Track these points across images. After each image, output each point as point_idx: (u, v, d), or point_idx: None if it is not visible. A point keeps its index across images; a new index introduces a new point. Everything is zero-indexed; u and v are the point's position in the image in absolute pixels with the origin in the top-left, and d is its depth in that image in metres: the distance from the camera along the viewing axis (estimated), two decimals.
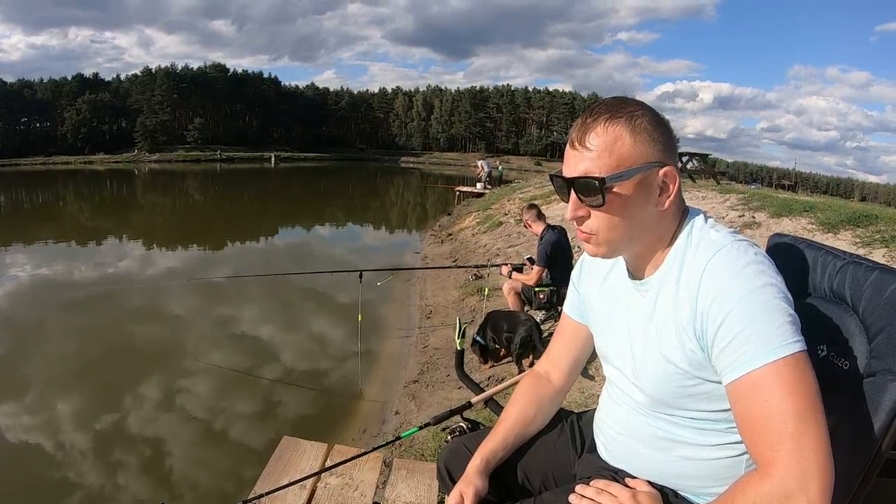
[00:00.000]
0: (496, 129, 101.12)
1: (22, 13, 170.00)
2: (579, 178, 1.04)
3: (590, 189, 1.03)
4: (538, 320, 5.21)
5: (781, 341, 0.91)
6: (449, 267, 9.56)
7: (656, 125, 1.04)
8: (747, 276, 0.96)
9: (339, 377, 6.20)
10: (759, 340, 0.92)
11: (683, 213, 1.11)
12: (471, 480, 1.27)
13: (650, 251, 1.11)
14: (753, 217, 7.60)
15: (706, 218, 1.11)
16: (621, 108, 1.04)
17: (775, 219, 7.25)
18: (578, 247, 6.89)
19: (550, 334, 5.47)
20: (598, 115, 1.04)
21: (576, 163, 1.05)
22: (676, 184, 1.06)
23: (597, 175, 1.02)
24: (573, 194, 1.06)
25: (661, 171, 1.04)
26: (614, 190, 1.02)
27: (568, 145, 1.08)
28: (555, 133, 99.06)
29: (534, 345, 4.78)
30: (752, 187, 17.50)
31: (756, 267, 0.97)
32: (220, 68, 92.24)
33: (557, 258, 5.39)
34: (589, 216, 1.07)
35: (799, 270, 1.23)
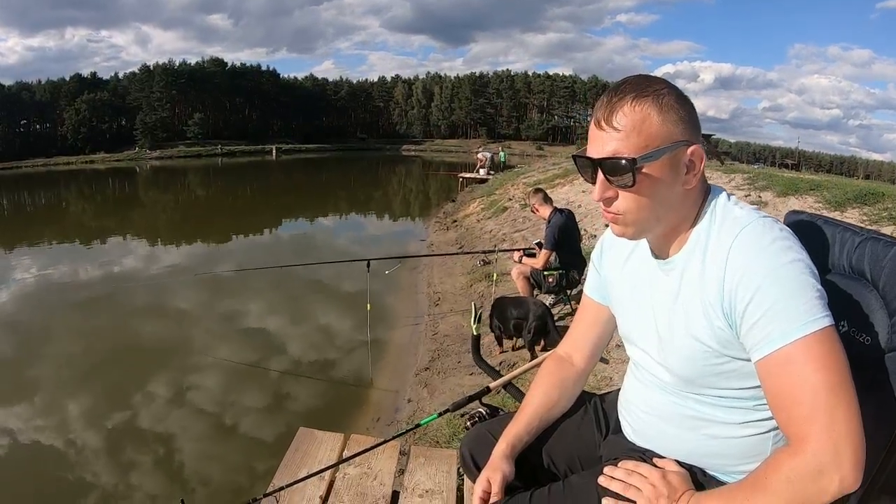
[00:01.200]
0: (497, 114, 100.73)
1: (18, 16, 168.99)
2: (608, 158, 1.02)
3: (619, 170, 1.01)
4: (548, 304, 5.21)
5: (810, 316, 0.91)
6: (457, 253, 9.55)
7: (682, 103, 1.03)
8: (774, 252, 0.96)
9: (350, 367, 6.21)
10: (788, 316, 0.92)
11: (706, 192, 1.10)
12: (497, 466, 1.27)
13: (675, 230, 1.10)
14: (760, 196, 7.57)
15: (729, 196, 1.10)
16: (647, 86, 1.02)
17: (782, 198, 7.24)
18: (585, 229, 6.89)
19: (560, 318, 5.50)
20: (623, 94, 1.01)
21: (603, 143, 1.03)
22: (703, 162, 1.05)
23: (627, 155, 1.00)
24: (601, 175, 1.04)
25: (689, 150, 1.03)
26: (644, 170, 1.00)
27: (593, 125, 1.05)
28: (556, 117, 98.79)
29: (548, 331, 4.77)
30: (756, 167, 17.42)
31: (782, 243, 0.97)
32: (218, 63, 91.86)
33: (565, 241, 5.38)
34: (617, 197, 1.05)
35: (817, 247, 1.20)
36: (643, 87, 1.02)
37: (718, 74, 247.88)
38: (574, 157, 1.11)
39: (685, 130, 1.02)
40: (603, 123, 1.02)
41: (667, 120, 1.00)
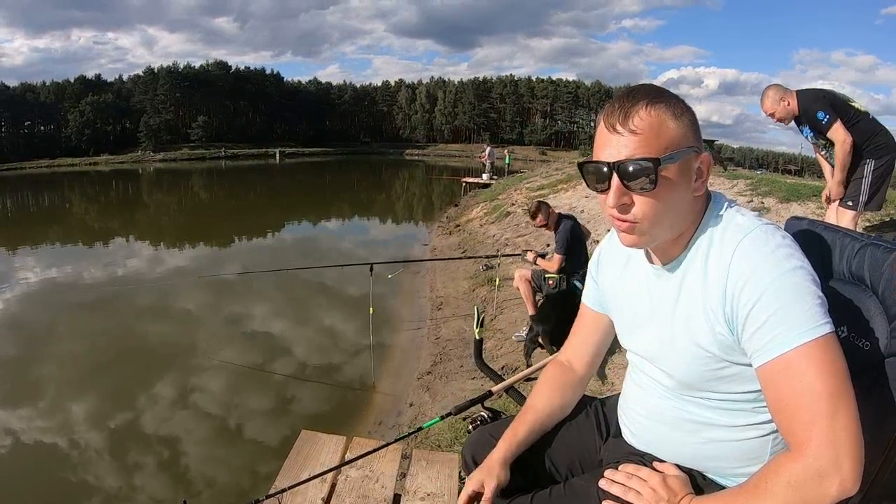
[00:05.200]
0: (500, 119, 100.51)
1: (24, 17, 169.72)
2: (629, 160, 0.99)
3: (641, 172, 0.99)
4: None
5: (812, 323, 0.93)
6: (459, 258, 9.54)
7: (689, 112, 1.04)
8: (777, 260, 0.97)
9: (353, 371, 6.22)
10: (790, 323, 0.93)
11: (707, 198, 1.11)
12: (493, 470, 1.27)
13: (677, 237, 1.10)
14: (762, 202, 7.55)
15: (730, 202, 1.11)
16: (659, 93, 1.03)
17: (784, 204, 7.22)
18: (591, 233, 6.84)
19: None
20: (636, 99, 1.01)
21: (619, 146, 1.00)
22: (710, 170, 1.06)
23: (649, 156, 0.98)
24: (616, 180, 1.01)
25: (700, 157, 1.04)
26: (663, 174, 0.99)
27: (604, 130, 1.03)
28: (559, 122, 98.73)
29: (540, 345, 4.77)
30: (759, 173, 17.42)
31: (785, 250, 0.98)
32: (222, 66, 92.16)
33: (574, 247, 5.37)
34: (632, 203, 1.03)
35: (818, 253, 1.22)
36: (655, 93, 1.02)
37: (723, 80, 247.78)
38: (580, 164, 1.08)
39: (695, 138, 1.03)
40: (619, 126, 1.01)
41: (681, 125, 1.01)
